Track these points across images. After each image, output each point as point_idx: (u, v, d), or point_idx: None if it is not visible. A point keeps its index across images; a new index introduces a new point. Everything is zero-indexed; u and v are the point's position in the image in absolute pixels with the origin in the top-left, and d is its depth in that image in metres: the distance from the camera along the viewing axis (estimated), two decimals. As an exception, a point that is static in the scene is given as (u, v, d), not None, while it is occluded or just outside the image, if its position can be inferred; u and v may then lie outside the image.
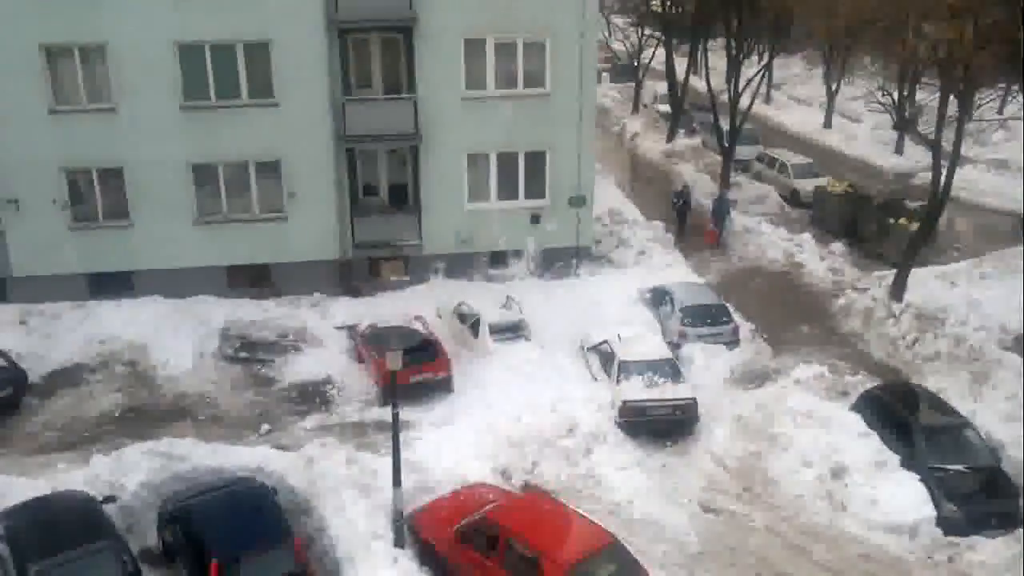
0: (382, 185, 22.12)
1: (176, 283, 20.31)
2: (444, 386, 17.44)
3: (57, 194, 19.81)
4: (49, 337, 18.92)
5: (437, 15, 19.95)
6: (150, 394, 17.43)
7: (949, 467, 14.10)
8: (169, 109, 19.58)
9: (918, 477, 13.99)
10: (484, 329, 18.63)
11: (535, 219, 22.11)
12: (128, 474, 13.38)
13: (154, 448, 13.98)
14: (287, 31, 19.57)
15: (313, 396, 17.65)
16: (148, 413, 16.79)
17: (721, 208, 25.68)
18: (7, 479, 13.42)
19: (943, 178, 20.05)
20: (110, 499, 12.75)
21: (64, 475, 13.71)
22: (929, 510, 13.53)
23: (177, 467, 13.62)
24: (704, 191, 29.76)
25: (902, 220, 24.03)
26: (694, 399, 16.41)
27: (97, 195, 20.14)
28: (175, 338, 18.82)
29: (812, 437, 15.04)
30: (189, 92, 19.63)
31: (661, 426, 16.22)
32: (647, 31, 42.08)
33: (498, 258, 22.35)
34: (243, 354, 18.94)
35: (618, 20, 49.19)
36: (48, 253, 20.08)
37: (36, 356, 18.11)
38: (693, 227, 26.41)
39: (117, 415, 16.75)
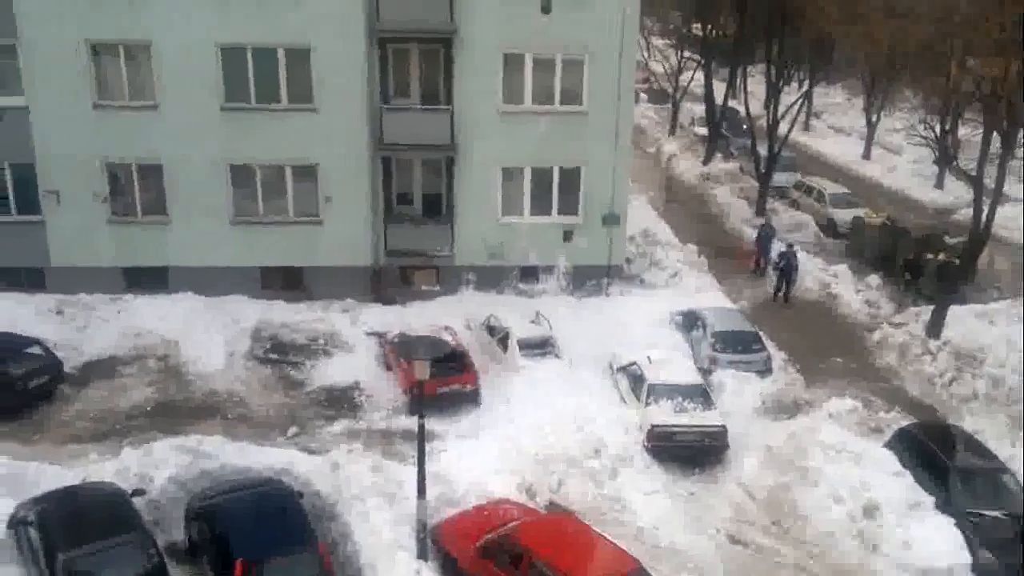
0: (416, 194, 22.16)
1: (210, 281, 20.48)
2: (471, 398, 17.38)
3: (97, 187, 20.09)
4: (85, 328, 19.16)
5: (477, 28, 20.04)
6: (180, 390, 17.55)
7: (985, 512, 13.75)
8: (210, 109, 19.83)
9: (953, 521, 13.66)
10: (513, 344, 18.55)
11: (567, 235, 22.04)
12: (157, 468, 13.44)
13: (183, 444, 14.04)
14: (328, 38, 19.74)
15: (341, 401, 17.66)
16: (178, 409, 16.89)
17: (767, 236, 25.31)
18: (39, 466, 13.55)
19: (984, 215, 19.74)
20: (139, 492, 12.82)
21: (95, 466, 13.79)
22: (965, 556, 13.17)
23: (205, 464, 13.66)
24: (740, 216, 29.60)
25: (941, 255, 23.66)
26: (723, 427, 16.19)
27: (136, 190, 20.41)
28: (207, 336, 18.97)
29: (844, 473, 14.72)
30: (230, 94, 19.87)
31: (689, 452, 16.01)
32: (686, 53, 42.05)
33: (529, 273, 22.29)
34: (273, 355, 19.04)
35: (658, 42, 49.21)
36: (86, 245, 20.37)
37: (71, 346, 18.37)
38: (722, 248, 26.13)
39: (148, 409, 16.88)
